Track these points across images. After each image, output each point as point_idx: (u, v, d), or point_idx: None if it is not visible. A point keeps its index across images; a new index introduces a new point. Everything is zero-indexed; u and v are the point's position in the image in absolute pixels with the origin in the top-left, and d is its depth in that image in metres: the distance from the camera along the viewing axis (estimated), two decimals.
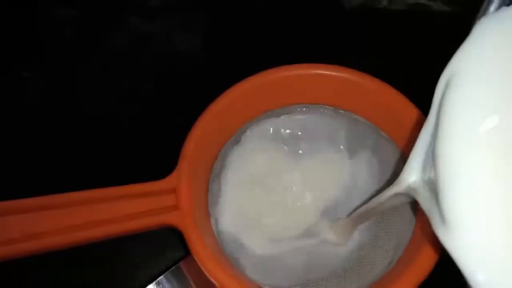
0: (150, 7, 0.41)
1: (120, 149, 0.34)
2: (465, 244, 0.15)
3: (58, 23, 0.41)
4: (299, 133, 0.30)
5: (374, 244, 0.27)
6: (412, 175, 0.19)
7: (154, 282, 0.26)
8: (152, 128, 0.35)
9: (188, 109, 0.35)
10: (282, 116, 0.29)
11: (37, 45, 0.39)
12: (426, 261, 0.22)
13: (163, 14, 0.41)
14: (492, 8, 0.21)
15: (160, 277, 0.26)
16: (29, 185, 0.31)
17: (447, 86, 0.17)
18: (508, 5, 0.18)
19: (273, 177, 0.29)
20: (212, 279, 0.23)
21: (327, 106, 0.29)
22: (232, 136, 0.28)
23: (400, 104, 0.26)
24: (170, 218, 0.24)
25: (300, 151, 0.30)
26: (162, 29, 0.40)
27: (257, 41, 0.39)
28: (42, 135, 0.35)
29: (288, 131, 0.30)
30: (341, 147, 0.30)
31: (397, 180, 0.20)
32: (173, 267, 0.26)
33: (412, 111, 0.26)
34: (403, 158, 0.27)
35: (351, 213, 0.27)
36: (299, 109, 0.29)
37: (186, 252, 0.30)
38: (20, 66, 0.38)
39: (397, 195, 0.20)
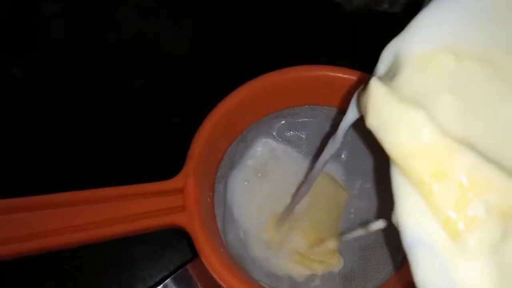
0: (143, 3, 0.41)
1: (116, 148, 0.34)
2: None
3: (49, 19, 0.40)
4: (304, 134, 0.30)
5: (380, 245, 0.27)
6: None
7: (161, 286, 0.25)
8: (146, 126, 0.35)
9: (182, 107, 0.35)
10: (288, 117, 0.29)
11: (27, 41, 0.38)
12: None
13: (156, 11, 0.40)
14: None
15: (167, 280, 0.25)
16: (33, 184, 0.30)
17: None
18: None
19: (279, 177, 0.29)
20: (221, 283, 0.22)
21: (332, 108, 0.29)
22: (238, 136, 0.28)
23: None
24: (178, 219, 0.23)
25: (305, 152, 0.30)
26: (154, 26, 0.40)
27: (254, 41, 0.39)
28: (36, 133, 0.34)
29: (293, 132, 0.30)
30: (346, 149, 0.30)
31: None
32: (180, 270, 0.25)
33: None
34: None
35: None
36: (304, 111, 0.29)
37: (188, 252, 0.29)
38: (10, 62, 0.37)
39: None
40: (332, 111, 0.29)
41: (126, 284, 0.29)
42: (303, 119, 0.29)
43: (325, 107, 0.29)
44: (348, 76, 0.27)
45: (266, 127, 0.29)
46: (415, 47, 0.16)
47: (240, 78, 0.27)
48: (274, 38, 0.39)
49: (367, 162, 0.29)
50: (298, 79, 0.27)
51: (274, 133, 0.29)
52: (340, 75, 0.27)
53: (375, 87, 0.16)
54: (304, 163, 0.30)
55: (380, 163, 0.28)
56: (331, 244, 0.27)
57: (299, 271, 0.27)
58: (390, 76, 0.17)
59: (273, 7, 0.41)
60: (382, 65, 0.18)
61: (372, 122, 0.16)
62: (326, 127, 0.29)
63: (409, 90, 0.15)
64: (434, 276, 0.14)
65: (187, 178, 0.24)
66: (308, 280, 0.27)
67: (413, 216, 0.15)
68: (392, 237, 0.27)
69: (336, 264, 0.27)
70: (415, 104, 0.15)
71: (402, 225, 0.15)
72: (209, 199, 0.26)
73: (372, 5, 0.39)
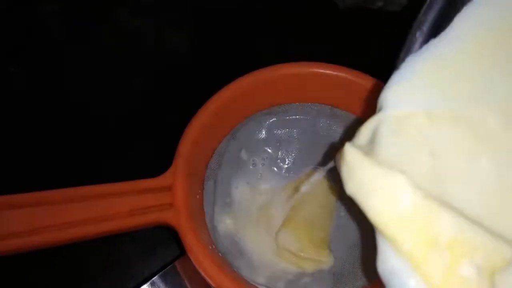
0: (143, 2, 0.41)
1: (111, 147, 0.34)
2: None
3: (46, 18, 0.40)
4: (295, 131, 0.30)
5: (370, 242, 0.27)
6: None
7: (148, 283, 0.25)
8: (146, 125, 0.35)
9: (182, 107, 0.35)
10: (279, 115, 0.29)
11: (23, 40, 0.39)
12: None
13: (155, 10, 0.40)
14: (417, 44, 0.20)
15: (155, 278, 0.25)
16: (20, 181, 0.30)
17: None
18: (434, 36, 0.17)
19: (269, 175, 0.29)
20: (208, 279, 0.22)
21: (324, 105, 0.29)
22: (228, 134, 0.28)
23: None
24: (166, 216, 0.23)
25: (295, 150, 0.30)
26: (151, 26, 0.40)
27: (250, 40, 0.39)
28: (30, 131, 0.34)
29: (284, 130, 0.30)
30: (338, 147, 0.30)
31: None
32: (168, 267, 0.25)
33: None
34: None
35: None
36: (295, 108, 0.29)
37: (178, 250, 0.29)
38: (6, 61, 0.37)
39: None
40: (323, 108, 0.29)
41: (118, 282, 0.29)
42: (294, 116, 0.29)
43: (316, 104, 0.29)
44: (338, 73, 0.27)
45: (257, 124, 0.29)
46: (388, 112, 0.16)
47: (238, 76, 0.27)
48: (267, 36, 0.39)
49: None
50: (287, 76, 0.27)
51: (264, 132, 0.29)
52: (330, 72, 0.27)
53: (349, 152, 0.15)
54: (295, 161, 0.30)
55: None
56: (322, 242, 0.27)
57: (289, 268, 0.27)
58: (367, 143, 0.16)
59: (269, 7, 0.41)
60: (362, 136, 0.17)
61: (350, 189, 0.15)
62: (317, 125, 0.29)
63: (385, 154, 0.15)
64: None
65: (175, 175, 0.24)
66: (298, 277, 0.26)
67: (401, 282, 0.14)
68: None
69: (326, 262, 0.27)
70: (391, 167, 0.14)
71: None
72: (198, 197, 0.26)
73: (366, 3, 0.39)
